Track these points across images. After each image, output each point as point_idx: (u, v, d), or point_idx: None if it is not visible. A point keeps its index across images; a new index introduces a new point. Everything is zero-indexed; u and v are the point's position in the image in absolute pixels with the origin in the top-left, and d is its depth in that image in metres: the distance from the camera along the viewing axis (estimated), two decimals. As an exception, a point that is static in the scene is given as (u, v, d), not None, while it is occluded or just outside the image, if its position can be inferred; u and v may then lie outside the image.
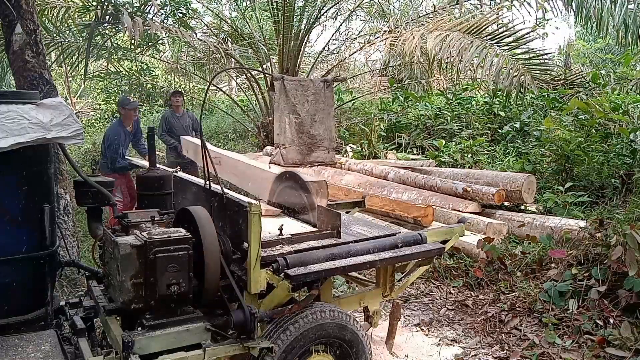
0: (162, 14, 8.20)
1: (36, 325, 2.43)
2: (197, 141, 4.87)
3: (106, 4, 6.72)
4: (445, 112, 9.55)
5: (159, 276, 2.12)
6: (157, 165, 3.18)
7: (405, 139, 9.42)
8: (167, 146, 7.41)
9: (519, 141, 8.10)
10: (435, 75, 10.68)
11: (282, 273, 2.32)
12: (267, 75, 9.30)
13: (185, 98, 8.26)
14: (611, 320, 3.43)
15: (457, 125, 9.04)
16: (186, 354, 2.14)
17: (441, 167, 7.39)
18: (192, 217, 2.35)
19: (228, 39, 10.24)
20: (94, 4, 7.14)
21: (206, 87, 8.42)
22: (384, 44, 9.55)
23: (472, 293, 4.36)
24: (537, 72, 7.35)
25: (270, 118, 9.05)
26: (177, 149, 6.75)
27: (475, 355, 3.47)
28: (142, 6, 7.49)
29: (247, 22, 10.96)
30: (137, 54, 9.72)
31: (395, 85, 11.42)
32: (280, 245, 2.52)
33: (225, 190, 2.63)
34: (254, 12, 10.72)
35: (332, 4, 9.73)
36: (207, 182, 2.77)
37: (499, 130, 8.77)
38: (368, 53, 11.51)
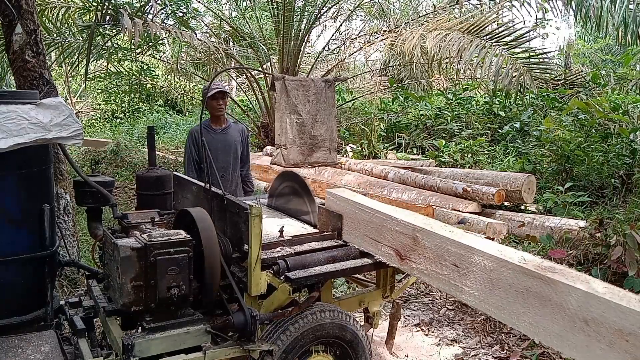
0: (163, 13, 8.18)
1: (36, 326, 2.43)
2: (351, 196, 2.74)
3: (106, 3, 6.70)
4: (445, 112, 9.56)
5: (159, 279, 2.11)
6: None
7: (405, 139, 9.42)
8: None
9: (519, 141, 8.10)
10: (435, 75, 10.68)
11: (282, 276, 2.31)
12: (267, 75, 9.30)
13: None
14: (611, 321, 3.43)
15: (457, 125, 9.05)
16: (186, 356, 2.14)
17: (441, 167, 7.39)
18: (192, 218, 2.34)
19: (228, 39, 10.24)
20: (94, 4, 7.13)
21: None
22: (384, 44, 9.56)
23: (472, 293, 4.36)
24: (537, 71, 7.34)
25: (270, 118, 9.05)
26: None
27: (475, 355, 3.46)
28: (143, 7, 7.48)
29: (247, 22, 10.96)
30: (138, 55, 9.72)
31: (395, 85, 11.42)
32: (281, 247, 2.50)
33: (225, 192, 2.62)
34: (254, 12, 10.72)
35: (332, 4, 9.72)
36: (208, 183, 2.76)
37: (499, 130, 8.77)
38: (368, 53, 11.52)
